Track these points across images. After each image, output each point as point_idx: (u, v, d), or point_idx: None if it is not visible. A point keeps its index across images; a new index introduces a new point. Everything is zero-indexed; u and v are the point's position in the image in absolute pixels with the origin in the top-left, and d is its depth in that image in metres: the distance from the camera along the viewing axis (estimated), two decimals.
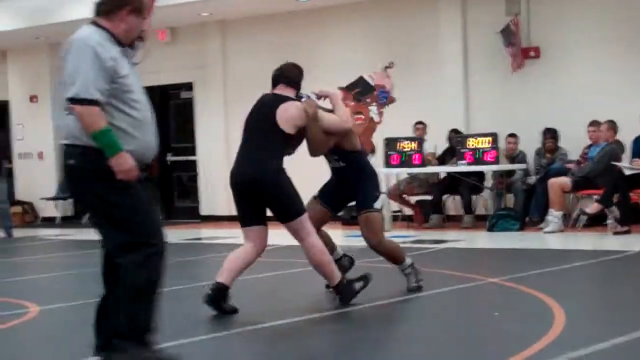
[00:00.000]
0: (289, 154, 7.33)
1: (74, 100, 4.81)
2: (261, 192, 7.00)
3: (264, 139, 7.12)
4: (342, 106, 7.64)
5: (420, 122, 15.10)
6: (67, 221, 19.25)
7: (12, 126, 20.74)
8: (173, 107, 19.03)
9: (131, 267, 4.90)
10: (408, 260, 7.85)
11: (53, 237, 16.19)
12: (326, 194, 7.91)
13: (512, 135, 14.40)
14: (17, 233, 16.53)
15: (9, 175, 18.55)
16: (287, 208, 7.08)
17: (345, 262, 8.06)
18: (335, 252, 7.97)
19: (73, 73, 4.83)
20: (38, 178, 20.19)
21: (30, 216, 20.18)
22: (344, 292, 7.25)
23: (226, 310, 6.91)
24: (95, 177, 4.91)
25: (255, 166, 7.05)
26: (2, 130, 18.76)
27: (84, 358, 5.44)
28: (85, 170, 4.94)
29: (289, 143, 7.23)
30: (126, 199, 4.95)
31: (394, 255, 7.84)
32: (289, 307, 7.33)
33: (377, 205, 7.70)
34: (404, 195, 15.10)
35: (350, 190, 7.74)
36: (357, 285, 7.36)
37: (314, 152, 7.41)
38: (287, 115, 7.11)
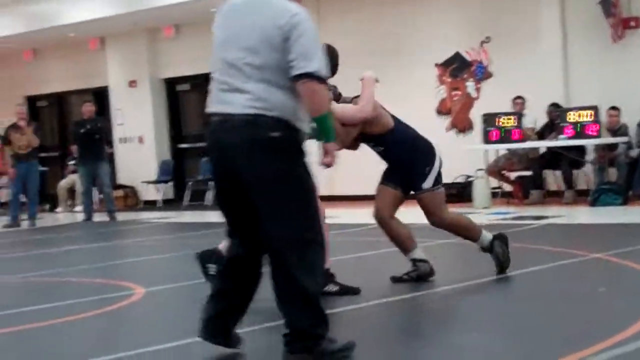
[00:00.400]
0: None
1: (313, 77, 4.62)
2: None
3: None
4: (367, 93, 7.17)
5: (519, 97, 14.89)
6: (168, 204, 19.51)
7: (112, 111, 21.07)
8: None
9: (302, 273, 4.68)
10: (487, 235, 7.39)
11: (155, 220, 16.42)
12: (391, 177, 7.43)
13: (614, 108, 14.14)
14: (120, 216, 16.81)
15: (111, 160, 18.85)
16: None
17: (423, 267, 7.32)
18: (415, 252, 7.36)
19: (311, 49, 4.63)
20: (138, 162, 20.49)
21: (132, 200, 20.49)
22: None
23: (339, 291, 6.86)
24: (299, 155, 4.73)
25: None
26: (102, 116, 19.05)
27: (189, 339, 5.50)
28: (292, 145, 4.70)
29: None
30: (312, 184, 4.81)
31: (462, 232, 7.44)
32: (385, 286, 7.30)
33: (427, 182, 7.28)
34: (504, 172, 14.96)
35: (402, 170, 7.36)
36: None
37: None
38: None
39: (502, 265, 7.38)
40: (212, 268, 6.92)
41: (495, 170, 14.79)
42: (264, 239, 4.78)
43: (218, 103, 4.80)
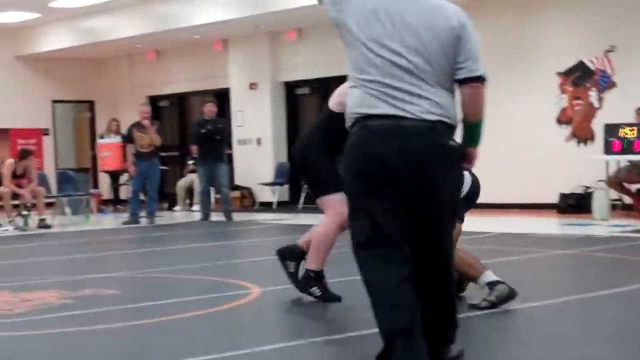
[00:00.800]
0: None
1: (482, 80, 4.51)
2: (296, 167, 7.17)
3: (318, 117, 7.11)
4: None
5: None
6: (282, 206, 19.65)
7: (233, 113, 21.31)
8: None
9: (451, 279, 4.68)
10: (486, 277, 6.55)
11: (270, 221, 16.56)
12: None
13: None
14: (236, 217, 16.99)
15: (229, 161, 19.06)
16: (313, 185, 7.04)
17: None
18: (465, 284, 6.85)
19: (478, 50, 4.49)
20: (256, 164, 20.70)
21: (248, 201, 20.70)
22: (302, 282, 7.03)
23: None
24: (460, 161, 4.64)
25: (298, 142, 7.16)
26: (223, 117, 19.27)
27: (307, 339, 5.56)
28: (459, 153, 4.57)
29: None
30: None
31: (463, 270, 6.55)
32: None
33: None
34: (624, 183, 14.67)
35: None
36: (315, 290, 6.94)
37: None
38: (342, 90, 6.65)
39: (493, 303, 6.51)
40: (292, 265, 7.10)
41: (616, 181, 14.52)
42: (429, 249, 4.55)
43: (387, 106, 4.43)
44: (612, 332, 5.85)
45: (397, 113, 4.40)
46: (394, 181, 4.42)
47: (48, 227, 16.16)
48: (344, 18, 4.55)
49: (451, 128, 4.47)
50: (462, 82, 4.47)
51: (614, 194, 14.61)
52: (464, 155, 4.63)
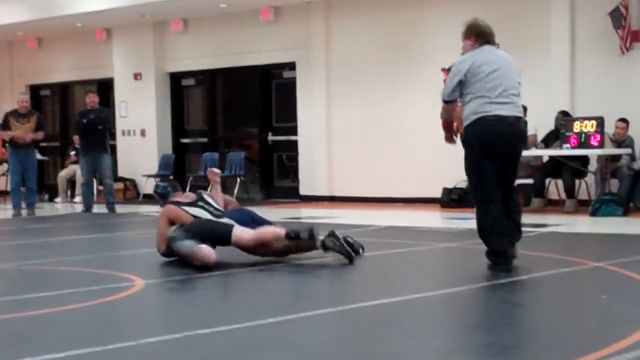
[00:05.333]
0: None
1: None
2: None
3: None
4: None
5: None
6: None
7: (116, 103, 21.05)
8: (275, 87, 19.11)
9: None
10: None
11: (154, 213, 16.34)
12: None
13: (623, 120, 14.12)
14: (119, 209, 16.79)
15: (113, 152, 18.79)
16: None
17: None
18: None
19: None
20: (139, 155, 20.48)
21: (131, 192, 20.49)
22: None
23: None
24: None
25: None
26: (106, 107, 18.98)
27: (188, 331, 5.49)
28: (526, 133, 8.35)
29: None
30: None
31: None
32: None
33: None
34: None
35: None
36: None
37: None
38: None
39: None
40: None
41: None
42: (509, 190, 8.03)
43: (498, 109, 7.83)
44: (489, 324, 5.94)
45: (500, 113, 7.82)
46: (500, 148, 7.91)
47: None
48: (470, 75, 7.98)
49: (524, 121, 7.98)
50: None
51: None
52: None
